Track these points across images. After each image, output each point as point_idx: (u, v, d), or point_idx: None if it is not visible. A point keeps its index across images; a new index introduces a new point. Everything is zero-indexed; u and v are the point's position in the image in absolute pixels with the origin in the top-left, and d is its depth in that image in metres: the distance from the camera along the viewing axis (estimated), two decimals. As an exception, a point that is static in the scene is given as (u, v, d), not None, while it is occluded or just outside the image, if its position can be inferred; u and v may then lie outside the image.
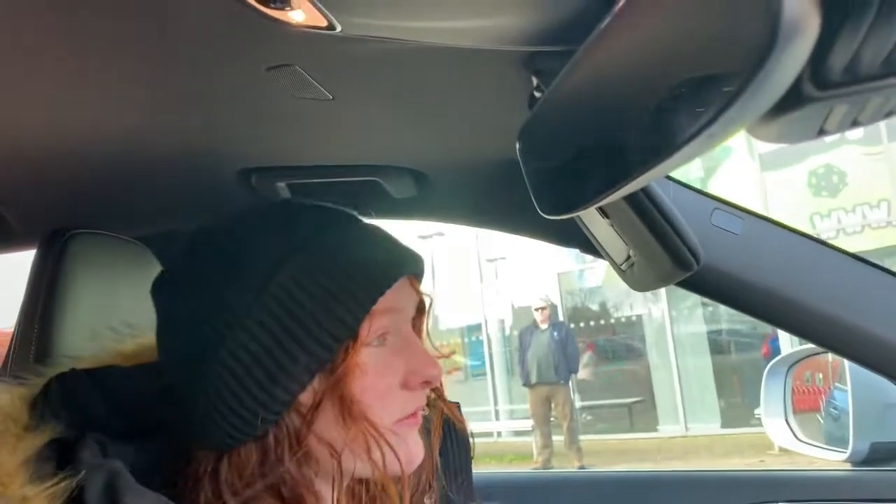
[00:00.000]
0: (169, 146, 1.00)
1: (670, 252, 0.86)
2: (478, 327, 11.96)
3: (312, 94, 0.78)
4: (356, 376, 0.62)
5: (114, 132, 0.94)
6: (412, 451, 0.68)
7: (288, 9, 0.52)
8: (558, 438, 7.96)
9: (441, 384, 0.74)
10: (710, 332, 9.86)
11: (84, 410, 0.65)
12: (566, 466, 7.66)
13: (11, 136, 0.95)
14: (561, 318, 10.10)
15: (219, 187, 1.14)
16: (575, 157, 0.54)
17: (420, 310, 0.74)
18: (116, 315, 1.02)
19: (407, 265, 0.68)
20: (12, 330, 1.00)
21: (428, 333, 0.75)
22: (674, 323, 9.81)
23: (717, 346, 9.83)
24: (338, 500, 0.64)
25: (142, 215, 1.22)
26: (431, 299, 0.74)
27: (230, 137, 0.99)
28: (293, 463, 0.62)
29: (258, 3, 0.51)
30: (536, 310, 8.17)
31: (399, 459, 0.65)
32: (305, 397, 0.62)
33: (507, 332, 11.70)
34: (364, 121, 0.93)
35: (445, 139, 1.01)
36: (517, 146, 0.60)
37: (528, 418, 8.52)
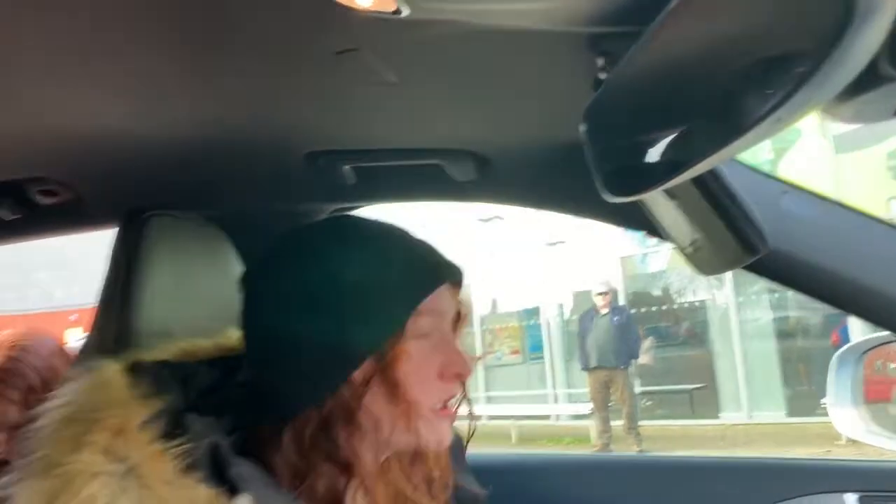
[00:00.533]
0: (240, 130, 1.03)
1: (737, 236, 0.84)
2: (536, 311, 11.92)
3: (378, 79, 0.80)
4: (401, 362, 0.74)
5: (187, 117, 0.98)
6: (443, 435, 0.80)
7: (357, -6, 0.53)
8: (617, 423, 7.91)
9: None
10: (776, 319, 9.60)
11: (180, 390, 0.75)
12: (625, 451, 7.60)
13: (90, 122, 0.99)
14: (622, 302, 9.97)
15: (287, 170, 1.17)
16: (641, 139, 0.54)
17: (460, 315, 0.85)
18: (192, 291, 1.06)
19: (448, 273, 0.81)
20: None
21: (464, 336, 0.87)
22: (739, 309, 9.58)
23: (783, 333, 9.57)
24: (382, 469, 0.77)
25: (213, 196, 1.26)
26: (470, 308, 0.87)
27: (298, 121, 1.02)
28: (344, 432, 0.73)
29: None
30: (597, 295, 8.10)
31: (432, 439, 0.78)
32: (358, 376, 0.73)
33: (566, 315, 11.63)
34: (428, 105, 0.94)
35: (508, 122, 1.01)
36: (582, 127, 0.60)
37: (586, 402, 8.49)
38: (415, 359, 0.75)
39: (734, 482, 1.41)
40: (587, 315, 8.26)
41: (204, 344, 0.87)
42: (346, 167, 1.16)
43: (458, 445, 0.94)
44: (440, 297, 0.79)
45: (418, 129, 1.05)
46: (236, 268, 1.13)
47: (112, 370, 0.74)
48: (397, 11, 0.55)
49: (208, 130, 1.04)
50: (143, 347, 0.93)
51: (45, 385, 1.35)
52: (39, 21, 0.70)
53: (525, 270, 11.81)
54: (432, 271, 0.79)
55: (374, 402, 0.73)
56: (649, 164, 0.51)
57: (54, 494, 0.62)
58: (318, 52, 0.74)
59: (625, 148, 0.56)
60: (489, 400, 11.04)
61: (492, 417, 9.58)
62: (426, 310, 0.76)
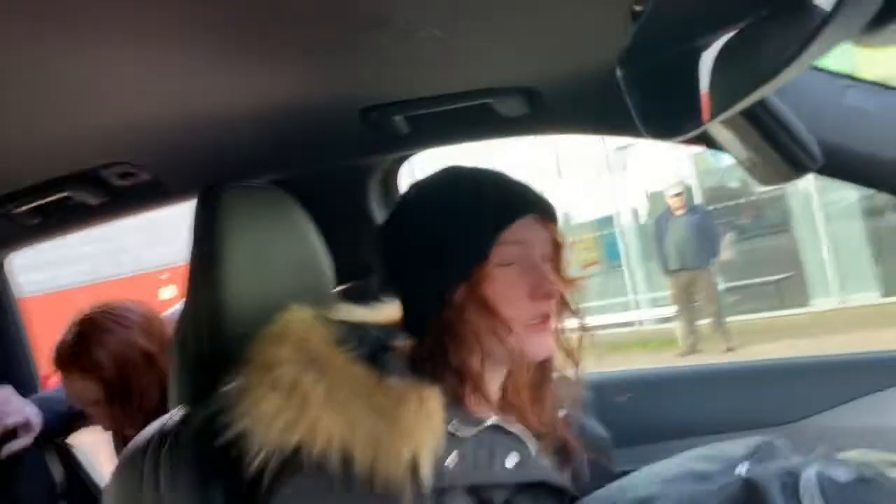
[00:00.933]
0: (296, 95, 1.07)
1: (785, 156, 0.83)
2: (610, 219, 11.78)
3: (421, 35, 0.81)
4: (487, 285, 0.87)
5: (248, 90, 1.02)
6: (538, 347, 0.91)
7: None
8: (704, 322, 7.84)
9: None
10: (861, 199, 9.18)
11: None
12: (713, 349, 7.57)
13: (158, 105, 1.05)
14: (698, 200, 9.73)
15: (343, 127, 1.21)
16: (680, 79, 0.54)
17: (556, 246, 0.94)
18: (270, 255, 1.12)
19: (530, 207, 0.91)
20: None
21: (562, 264, 0.95)
22: (821, 192, 9.21)
23: (870, 211, 9.14)
24: (489, 379, 0.91)
25: (278, 162, 1.31)
26: (563, 238, 0.94)
27: (349, 80, 1.05)
28: (452, 344, 0.87)
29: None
30: (671, 196, 7.92)
31: (527, 350, 0.89)
32: (456, 297, 0.87)
33: (643, 220, 11.45)
34: (472, 48, 0.95)
35: (554, 54, 1.01)
36: (619, 72, 0.61)
37: (669, 305, 8.43)
38: (501, 282, 0.87)
39: (828, 380, 1.35)
40: (662, 217, 8.11)
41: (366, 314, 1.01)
42: (399, 117, 1.18)
43: (584, 392, 1.02)
44: (523, 228, 0.89)
45: (465, 72, 1.06)
46: (308, 227, 1.18)
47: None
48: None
49: (267, 100, 1.08)
50: (234, 312, 1.01)
51: (119, 362, 1.44)
52: (107, 12, 0.74)
53: (596, 178, 11.62)
54: (512, 206, 0.90)
55: (472, 319, 0.87)
56: (686, 105, 0.52)
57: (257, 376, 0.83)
58: (362, 17, 0.76)
59: (663, 89, 0.56)
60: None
61: (575, 329, 9.62)
62: (509, 240, 0.88)
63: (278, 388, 0.81)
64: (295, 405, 0.79)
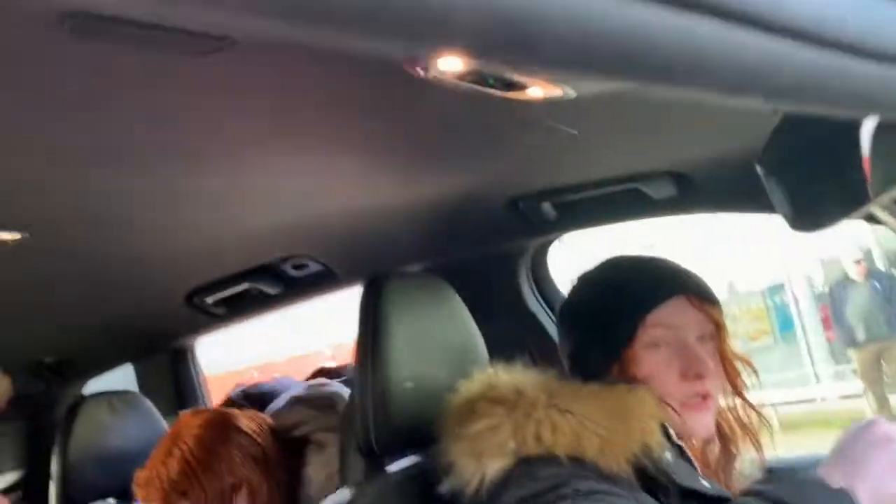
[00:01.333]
0: (449, 189, 1.15)
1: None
2: (782, 287, 11.05)
3: (562, 134, 0.86)
4: (636, 366, 0.89)
5: (408, 186, 1.12)
6: (696, 425, 0.90)
7: (525, 90, 0.60)
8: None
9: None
10: None
11: None
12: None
13: (328, 203, 1.17)
14: (880, 265, 8.94)
15: (491, 216, 1.27)
16: (824, 171, 0.55)
17: (717, 325, 0.93)
18: (429, 339, 1.18)
19: (678, 288, 0.92)
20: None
21: (725, 344, 0.95)
22: None
23: None
24: None
25: (433, 250, 1.39)
26: (722, 318, 0.94)
27: (497, 175, 1.11)
28: None
29: (499, 91, 0.60)
30: (852, 262, 7.35)
31: (691, 429, 0.89)
32: (613, 375, 0.90)
33: (817, 289, 10.64)
34: (615, 142, 0.99)
35: (700, 140, 1.03)
36: (760, 169, 0.62)
37: (854, 380, 7.69)
38: (650, 363, 0.89)
39: None
40: (840, 285, 7.52)
41: None
42: (546, 205, 1.23)
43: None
44: (673, 309, 0.91)
45: (609, 161, 1.10)
46: (463, 312, 1.23)
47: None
48: (566, 94, 0.62)
49: (424, 195, 1.17)
50: (399, 396, 1.07)
51: (239, 479, 1.18)
52: (290, 130, 0.86)
53: (763, 244, 10.99)
54: (656, 289, 0.92)
55: None
56: (833, 195, 0.52)
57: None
58: (504, 125, 0.82)
59: (806, 183, 0.57)
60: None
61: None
62: (656, 322, 0.90)
63: (502, 402, 0.84)
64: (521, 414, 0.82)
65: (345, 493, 1.08)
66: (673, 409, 0.88)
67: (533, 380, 0.87)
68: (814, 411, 9.03)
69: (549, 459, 0.78)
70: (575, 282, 1.02)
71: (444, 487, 0.86)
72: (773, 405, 8.78)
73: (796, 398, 9.29)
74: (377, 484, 1.05)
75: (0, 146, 0.79)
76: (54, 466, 1.57)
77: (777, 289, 11.11)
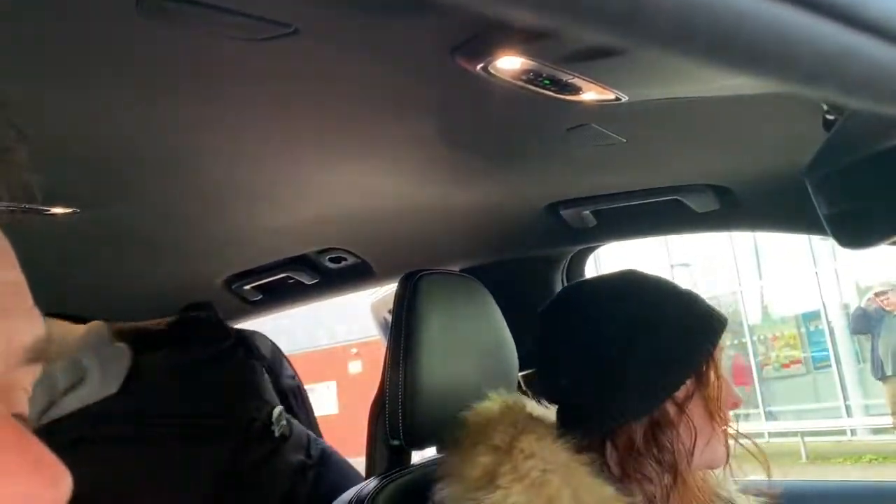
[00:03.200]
0: (491, 193, 1.16)
1: None
2: (817, 314, 10.83)
3: (608, 141, 0.87)
4: (711, 383, 0.89)
5: (448, 188, 1.13)
6: (721, 454, 0.92)
7: (580, 93, 0.61)
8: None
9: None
10: None
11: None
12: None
13: (368, 199, 1.18)
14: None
15: (530, 221, 1.28)
16: (874, 186, 0.55)
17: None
18: (461, 339, 1.19)
19: (723, 322, 0.92)
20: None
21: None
22: None
23: None
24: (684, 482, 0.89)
25: (471, 252, 1.40)
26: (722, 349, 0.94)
27: (539, 179, 1.12)
28: (668, 439, 0.87)
29: (553, 93, 0.61)
30: (876, 295, 7.20)
31: (719, 457, 0.91)
32: (681, 393, 0.88)
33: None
34: (660, 152, 0.99)
35: (745, 154, 1.02)
36: (808, 182, 0.62)
37: (887, 414, 7.52)
38: (714, 385, 0.90)
39: None
40: (873, 317, 7.36)
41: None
42: (586, 212, 1.23)
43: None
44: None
45: (653, 171, 1.10)
46: (496, 314, 1.25)
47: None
48: (618, 99, 0.62)
49: (465, 197, 1.18)
50: (428, 391, 1.08)
51: None
52: (323, 122, 0.88)
53: (800, 269, 10.79)
54: (717, 320, 0.92)
55: (694, 416, 0.88)
56: (881, 213, 0.52)
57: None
58: (552, 130, 0.83)
59: (853, 199, 0.57)
60: (770, 416, 10.20)
61: (774, 434, 8.86)
62: (718, 346, 0.90)
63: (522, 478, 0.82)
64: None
65: (371, 483, 1.09)
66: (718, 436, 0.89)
67: (561, 461, 0.85)
68: (843, 442, 8.84)
69: None
70: (599, 303, 0.96)
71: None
72: (802, 434, 8.63)
73: (827, 429, 9.10)
74: (401, 477, 1.06)
75: (61, 127, 0.82)
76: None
77: (812, 315, 10.90)
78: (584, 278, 1.02)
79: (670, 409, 0.89)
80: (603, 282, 1.00)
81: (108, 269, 1.44)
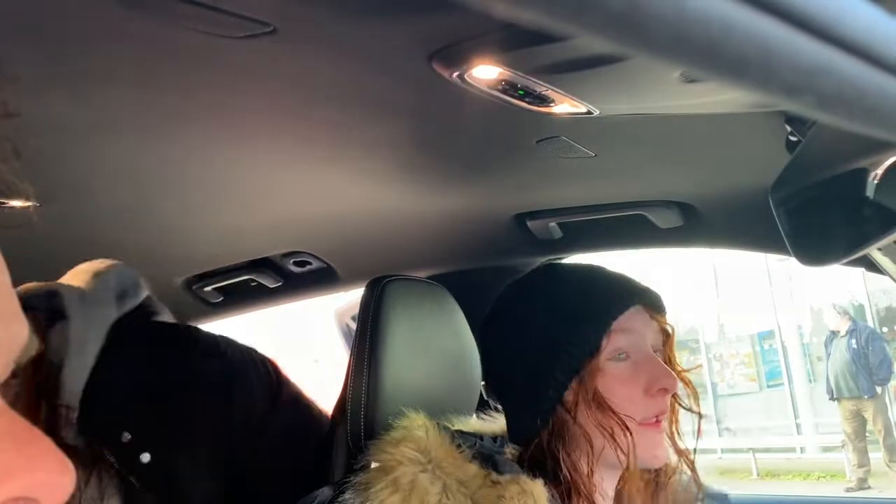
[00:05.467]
0: (459, 202, 1.16)
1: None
2: (771, 334, 11.07)
3: (577, 154, 0.88)
4: (600, 379, 0.83)
5: (416, 198, 1.13)
6: (654, 449, 0.85)
7: (552, 105, 0.62)
8: (876, 455, 7.09)
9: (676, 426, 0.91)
10: None
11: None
12: (887, 486, 6.79)
13: (334, 204, 1.18)
14: (870, 320, 8.98)
15: (497, 231, 1.29)
16: (835, 206, 0.57)
17: (666, 336, 0.91)
18: (426, 345, 1.19)
19: (638, 296, 0.88)
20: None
21: (673, 356, 0.92)
22: None
23: None
24: (601, 484, 0.85)
25: (438, 260, 1.40)
26: (673, 328, 0.91)
27: (506, 190, 1.13)
28: (563, 450, 0.84)
29: (527, 104, 0.62)
30: (832, 315, 7.38)
31: (640, 452, 0.83)
32: (568, 396, 0.84)
33: (807, 338, 10.67)
34: (627, 167, 1.00)
35: (709, 173, 1.05)
36: (772, 200, 0.64)
37: (836, 433, 7.71)
38: (615, 376, 0.84)
39: None
40: (829, 338, 7.55)
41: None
42: (552, 224, 1.25)
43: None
44: (633, 318, 0.86)
45: (619, 186, 1.12)
46: (461, 321, 1.25)
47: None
48: (589, 112, 0.63)
49: (433, 206, 1.18)
50: (391, 396, 1.08)
51: None
52: (293, 123, 0.88)
53: (755, 290, 11.03)
54: (620, 296, 0.87)
55: (586, 419, 0.83)
56: (839, 233, 0.54)
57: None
58: (522, 141, 0.84)
59: (816, 217, 0.58)
60: (723, 432, 10.38)
61: (726, 450, 9.01)
62: (619, 329, 0.84)
63: (399, 490, 0.80)
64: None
65: (326, 491, 1.08)
66: (628, 430, 0.82)
67: (444, 455, 0.82)
68: (793, 460, 9.03)
69: None
70: (509, 294, 0.96)
71: None
72: (753, 451, 8.80)
73: (778, 446, 9.28)
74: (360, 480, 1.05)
75: (26, 118, 0.80)
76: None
77: (767, 335, 11.14)
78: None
79: (564, 416, 0.85)
80: (516, 283, 0.98)
81: (64, 268, 1.41)
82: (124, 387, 0.80)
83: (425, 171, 1.04)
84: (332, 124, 0.89)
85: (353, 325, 1.92)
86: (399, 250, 1.38)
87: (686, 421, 0.92)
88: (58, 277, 1.43)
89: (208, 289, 1.61)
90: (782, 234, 0.63)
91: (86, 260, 1.40)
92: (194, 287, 1.60)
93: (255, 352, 1.04)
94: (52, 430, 0.68)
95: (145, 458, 0.76)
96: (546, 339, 0.85)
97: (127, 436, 0.75)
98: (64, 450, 0.28)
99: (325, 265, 1.48)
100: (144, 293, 0.93)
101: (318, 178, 1.09)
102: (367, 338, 1.16)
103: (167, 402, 0.83)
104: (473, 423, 1.00)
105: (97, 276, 0.87)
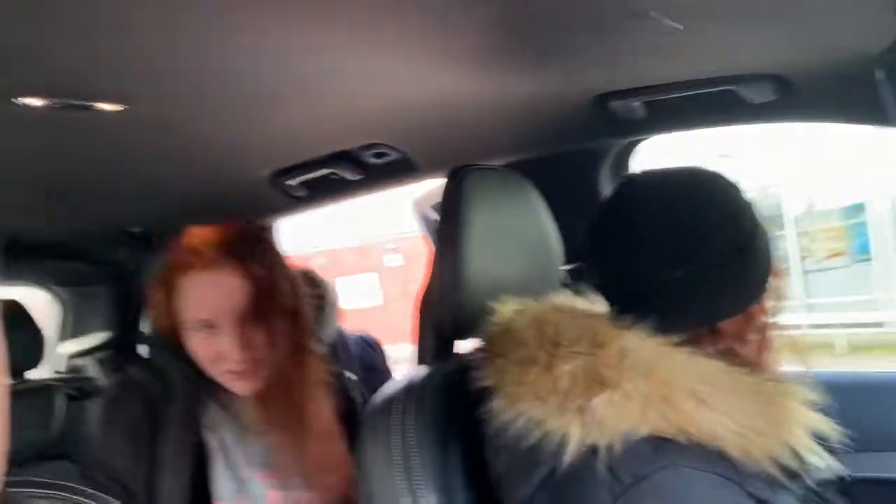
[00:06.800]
0: (537, 84, 1.13)
1: None
2: (862, 207, 10.58)
3: (665, 29, 0.83)
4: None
5: (495, 81, 1.11)
6: None
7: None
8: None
9: None
10: None
11: None
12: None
13: (413, 92, 1.17)
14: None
15: (580, 113, 1.25)
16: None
17: None
18: (507, 234, 1.20)
19: None
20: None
21: None
22: None
23: None
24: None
25: (517, 146, 1.39)
26: None
27: (591, 69, 1.09)
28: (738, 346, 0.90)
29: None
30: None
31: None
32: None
33: (898, 211, 10.16)
34: (718, 37, 0.95)
35: (805, 43, 0.98)
36: (877, 71, 0.59)
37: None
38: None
39: None
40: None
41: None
42: (637, 103, 1.20)
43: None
44: None
45: (709, 59, 1.06)
46: (541, 208, 1.24)
47: None
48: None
49: (511, 89, 1.16)
50: (473, 284, 1.10)
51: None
52: (380, 19, 0.86)
53: (843, 160, 10.47)
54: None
55: (762, 322, 0.92)
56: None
57: None
58: (610, 16, 0.80)
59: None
60: (810, 308, 10.15)
61: (814, 326, 8.85)
62: None
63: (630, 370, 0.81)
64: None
65: (422, 370, 1.14)
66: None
67: (656, 347, 0.83)
68: (881, 334, 8.83)
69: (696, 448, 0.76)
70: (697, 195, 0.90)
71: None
72: (842, 327, 8.62)
73: (866, 321, 9.06)
74: (447, 365, 1.10)
75: (109, 20, 0.81)
76: (146, 328, 1.68)
77: (856, 209, 10.66)
78: (653, 169, 0.98)
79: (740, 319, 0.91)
80: (697, 174, 0.93)
81: (153, 169, 1.46)
82: None
83: (508, 54, 1.01)
84: (406, 13, 0.86)
85: (432, 214, 1.95)
86: (478, 138, 1.37)
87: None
88: (147, 176, 1.49)
89: (292, 183, 1.65)
90: (884, 103, 0.59)
91: (174, 158, 1.45)
92: (278, 181, 1.63)
93: None
94: None
95: None
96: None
97: None
98: None
99: (403, 156, 1.48)
100: None
101: (392, 68, 1.07)
102: (449, 226, 1.17)
103: None
104: (581, 303, 1.04)
105: None
